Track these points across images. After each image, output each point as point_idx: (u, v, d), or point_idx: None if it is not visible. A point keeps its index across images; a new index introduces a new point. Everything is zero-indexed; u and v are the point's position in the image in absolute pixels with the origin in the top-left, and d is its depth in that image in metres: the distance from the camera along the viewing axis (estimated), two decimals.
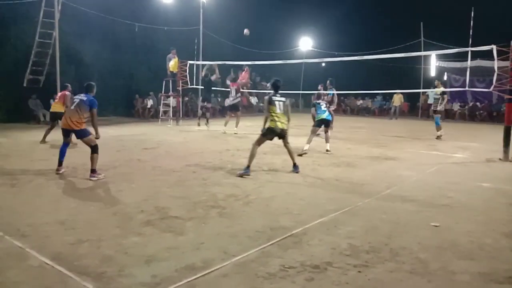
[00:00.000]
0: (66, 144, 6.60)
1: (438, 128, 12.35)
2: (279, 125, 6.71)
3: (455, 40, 13.91)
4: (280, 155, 8.60)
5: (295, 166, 6.92)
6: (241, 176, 6.41)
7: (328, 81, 12.59)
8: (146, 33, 17.95)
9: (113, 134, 11.90)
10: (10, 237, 3.70)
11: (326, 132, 9.40)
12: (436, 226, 4.30)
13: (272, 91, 7.03)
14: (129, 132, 12.57)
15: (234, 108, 12.83)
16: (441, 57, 21.95)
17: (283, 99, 6.84)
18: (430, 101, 21.72)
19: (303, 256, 3.41)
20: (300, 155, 8.45)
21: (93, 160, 6.22)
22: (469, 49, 8.88)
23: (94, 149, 6.29)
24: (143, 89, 18.57)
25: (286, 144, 6.97)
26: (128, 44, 18.50)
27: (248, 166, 6.57)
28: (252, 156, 6.61)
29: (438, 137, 12.18)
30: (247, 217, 4.44)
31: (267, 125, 6.75)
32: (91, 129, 6.41)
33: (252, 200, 5.14)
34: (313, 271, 3.14)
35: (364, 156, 8.89)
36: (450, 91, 22.91)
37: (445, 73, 23.37)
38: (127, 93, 18.60)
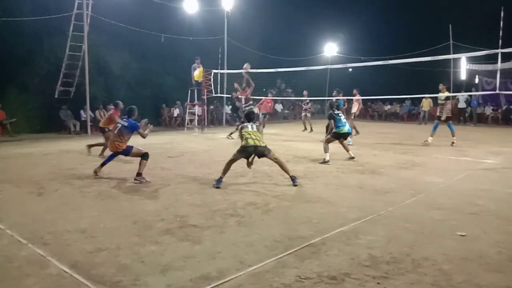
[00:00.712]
0: (113, 155, 7.11)
1: (432, 133, 11.90)
2: (251, 142, 6.39)
3: (486, 41, 13.42)
4: (303, 163, 8.53)
5: (293, 179, 6.47)
6: (215, 187, 6.22)
7: (334, 92, 12.48)
8: (172, 43, 18.26)
9: (139, 143, 12.08)
10: (33, 245, 3.79)
11: (342, 142, 9.03)
12: (462, 235, 4.12)
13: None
14: (155, 141, 12.73)
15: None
16: (471, 60, 21.32)
17: (254, 126, 6.69)
18: (461, 105, 21.13)
19: (320, 266, 3.33)
20: (324, 162, 8.36)
21: (141, 165, 6.67)
22: (499, 50, 8.56)
23: (144, 156, 6.78)
24: (170, 98, 18.87)
25: (274, 159, 6.56)
26: (155, 55, 18.87)
27: (220, 178, 6.37)
28: (225, 170, 6.45)
29: (425, 142, 11.77)
30: (265, 226, 4.39)
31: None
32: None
33: (271, 208, 5.09)
34: (330, 283, 3.05)
35: (390, 162, 8.68)
36: (483, 95, 22.22)
37: (476, 76, 22.65)
38: (155, 103, 18.94)
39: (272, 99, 15.26)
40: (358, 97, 13.43)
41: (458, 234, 4.14)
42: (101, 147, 9.40)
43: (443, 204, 5.35)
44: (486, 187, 6.38)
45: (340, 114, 9.04)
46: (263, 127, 12.72)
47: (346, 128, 8.89)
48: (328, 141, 8.87)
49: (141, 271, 3.24)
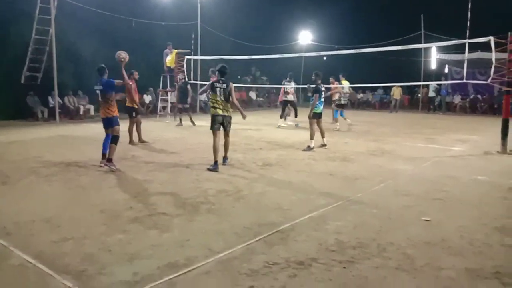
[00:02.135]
0: (108, 136, 6.77)
1: (336, 120, 12.77)
2: (220, 111, 6.68)
3: (456, 31, 13.74)
4: (276, 150, 8.56)
5: (224, 159, 7.02)
6: (210, 170, 6.45)
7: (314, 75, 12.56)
8: (143, 28, 17.83)
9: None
10: None
11: (319, 125, 9.04)
12: (427, 220, 4.24)
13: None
14: (126, 128, 12.50)
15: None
16: (442, 50, 21.79)
17: (224, 85, 6.67)
18: (430, 94, 21.62)
19: (288, 252, 3.37)
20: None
21: (111, 149, 6.54)
22: (467, 41, 8.76)
23: (114, 139, 6.61)
24: (142, 85, 18.46)
25: (225, 136, 6.94)
26: (126, 40, 18.33)
27: (216, 162, 6.59)
28: (214, 151, 6.63)
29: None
30: (236, 213, 4.39)
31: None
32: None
33: (243, 195, 5.10)
34: (297, 268, 3.09)
35: (361, 150, 8.82)
36: (451, 84, 22.80)
37: (446, 66, 23.19)
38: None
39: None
40: (336, 84, 13.57)
41: (423, 220, 4.26)
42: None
43: (410, 190, 5.48)
44: (452, 173, 6.58)
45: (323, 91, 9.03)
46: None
47: (321, 108, 8.98)
48: (312, 125, 8.83)
49: (108, 260, 3.19)
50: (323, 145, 8.95)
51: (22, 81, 14.48)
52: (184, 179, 5.94)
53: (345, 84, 13.21)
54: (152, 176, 6.08)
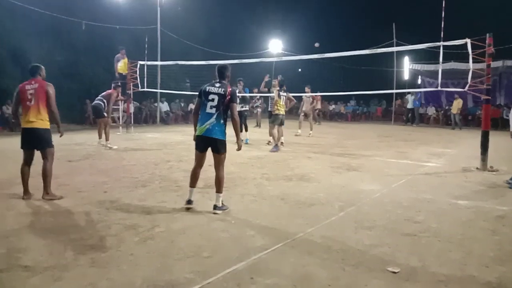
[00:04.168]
0: None
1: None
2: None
3: (428, 41, 13.00)
4: (226, 167, 7.32)
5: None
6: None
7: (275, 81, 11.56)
8: (98, 32, 16.47)
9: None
10: None
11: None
12: (394, 272, 3.08)
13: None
14: (66, 141, 11.03)
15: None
16: (414, 60, 21.19)
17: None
18: (409, 105, 20.71)
19: None
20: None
21: None
22: (441, 43, 7.80)
23: None
24: (94, 93, 17.01)
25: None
26: (81, 44, 16.98)
27: (276, 144, 7.99)
28: (275, 136, 6.41)
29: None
30: (130, 265, 3.12)
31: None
32: None
33: (155, 234, 3.82)
34: None
35: (324, 166, 7.70)
36: (425, 95, 22.24)
37: (419, 76, 22.64)
38: (83, 97, 17.05)
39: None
40: (310, 93, 12.84)
41: (389, 271, 3.10)
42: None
43: (376, 221, 4.34)
44: (426, 196, 5.50)
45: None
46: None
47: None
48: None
49: None
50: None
51: None
52: (90, 209, 4.60)
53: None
54: (53, 204, 4.74)
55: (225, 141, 4.62)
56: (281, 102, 9.34)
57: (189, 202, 4.64)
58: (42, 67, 5.26)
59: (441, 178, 6.82)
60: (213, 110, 4.51)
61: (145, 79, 13.16)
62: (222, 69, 4.75)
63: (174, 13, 18.89)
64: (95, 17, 15.96)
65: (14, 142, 8.41)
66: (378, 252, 3.49)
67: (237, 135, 4.73)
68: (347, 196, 5.40)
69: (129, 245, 3.51)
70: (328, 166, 7.68)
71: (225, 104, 4.54)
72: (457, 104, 18.49)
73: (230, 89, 4.59)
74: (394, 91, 18.84)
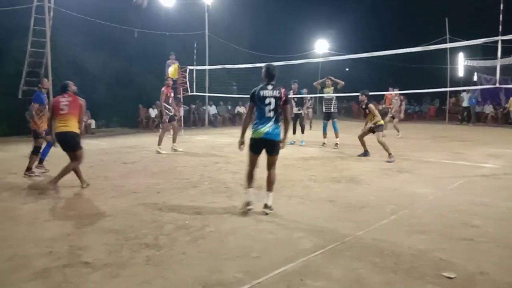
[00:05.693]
0: (49, 144, 6.96)
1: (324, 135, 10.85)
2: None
3: (484, 35, 12.32)
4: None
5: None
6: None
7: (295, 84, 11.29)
8: (149, 39, 17.09)
9: (102, 147, 11.00)
10: None
11: None
12: (450, 278, 2.96)
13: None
14: (120, 144, 11.61)
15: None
16: (469, 56, 20.17)
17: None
18: (465, 104, 19.65)
19: None
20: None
21: (31, 159, 6.85)
22: (500, 38, 7.38)
23: (34, 151, 6.88)
24: (147, 99, 17.71)
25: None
26: (133, 52, 17.72)
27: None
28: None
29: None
30: (182, 264, 3.22)
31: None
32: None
33: (206, 234, 3.92)
34: None
35: (374, 168, 7.53)
36: (481, 92, 21.03)
37: (475, 73, 21.48)
38: (136, 103, 17.81)
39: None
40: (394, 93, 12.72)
41: (445, 276, 2.98)
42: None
43: (429, 225, 4.19)
44: (484, 199, 5.22)
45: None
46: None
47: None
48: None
49: None
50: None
51: (20, 96, 13.84)
52: (144, 209, 4.80)
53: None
54: (108, 205, 4.98)
55: (280, 141, 4.64)
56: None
57: (249, 203, 4.67)
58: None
59: (499, 181, 6.45)
60: (272, 114, 4.54)
61: (194, 83, 13.48)
62: (271, 70, 4.73)
63: (221, 19, 19.21)
64: (146, 25, 16.57)
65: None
66: (432, 257, 3.36)
67: (285, 135, 4.71)
68: (399, 199, 5.24)
69: (180, 245, 3.62)
70: (378, 168, 7.50)
71: (281, 106, 4.57)
72: None
73: (283, 90, 4.60)
74: (448, 89, 17.97)
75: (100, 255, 3.38)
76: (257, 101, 4.59)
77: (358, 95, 8.95)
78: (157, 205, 4.96)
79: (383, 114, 11.06)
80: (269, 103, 4.52)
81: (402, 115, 13.83)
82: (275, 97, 4.53)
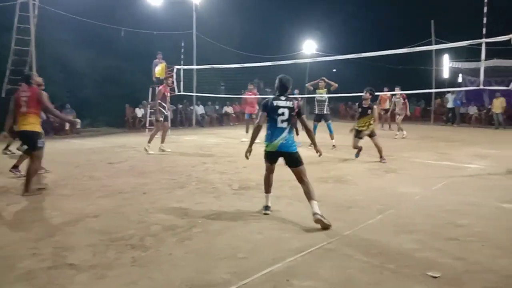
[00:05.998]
0: None
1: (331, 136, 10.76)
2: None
3: (469, 37, 12.53)
4: (262, 169, 7.33)
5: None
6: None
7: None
8: (135, 38, 16.94)
9: (88, 146, 10.86)
10: None
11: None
12: (434, 277, 2.98)
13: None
14: (107, 144, 11.47)
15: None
16: (454, 57, 20.44)
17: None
18: (450, 105, 19.89)
19: None
20: None
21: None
22: (484, 40, 7.51)
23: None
24: (134, 98, 17.54)
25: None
26: (121, 50, 17.54)
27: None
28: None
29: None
30: (169, 265, 3.18)
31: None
32: None
33: (193, 235, 3.89)
34: None
35: (361, 168, 7.58)
36: (466, 94, 21.34)
37: (460, 75, 21.77)
38: (123, 102, 17.62)
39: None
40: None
41: (429, 275, 3.00)
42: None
43: (417, 224, 4.22)
44: (470, 199, 5.29)
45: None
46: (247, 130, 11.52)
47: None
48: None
49: None
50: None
51: (3, 95, 13.57)
52: (131, 209, 4.75)
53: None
54: (94, 206, 4.91)
55: (298, 152, 4.61)
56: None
57: (267, 208, 4.67)
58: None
59: (485, 181, 6.54)
60: (285, 124, 4.52)
61: (181, 83, 13.40)
62: (285, 82, 4.66)
63: (209, 18, 19.14)
64: (134, 24, 16.43)
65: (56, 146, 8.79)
66: (419, 256, 3.39)
67: (314, 143, 4.85)
68: (386, 199, 5.28)
69: (167, 246, 3.59)
70: (365, 168, 7.55)
71: (295, 117, 4.60)
72: (500, 103, 17.68)
73: (296, 101, 4.63)
74: (433, 90, 18.21)
75: (85, 256, 3.33)
76: (270, 111, 4.57)
77: (347, 96, 8.95)
78: (143, 205, 4.91)
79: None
80: (282, 113, 4.51)
81: (408, 112, 14.34)
82: (288, 107, 4.53)
